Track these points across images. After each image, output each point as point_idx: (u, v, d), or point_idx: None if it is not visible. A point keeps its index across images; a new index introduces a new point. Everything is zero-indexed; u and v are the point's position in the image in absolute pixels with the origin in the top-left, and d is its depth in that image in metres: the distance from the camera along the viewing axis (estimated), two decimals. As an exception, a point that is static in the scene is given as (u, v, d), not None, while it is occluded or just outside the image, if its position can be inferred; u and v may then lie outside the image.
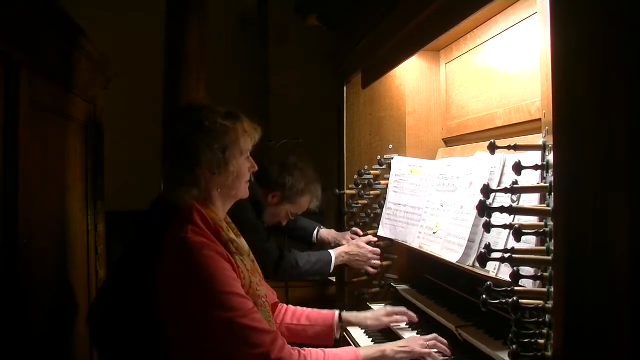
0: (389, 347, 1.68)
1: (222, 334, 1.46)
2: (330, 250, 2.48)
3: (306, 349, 1.59)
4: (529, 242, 1.32)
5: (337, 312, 1.93)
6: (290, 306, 1.96)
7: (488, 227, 1.23)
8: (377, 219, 2.50)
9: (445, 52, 2.38)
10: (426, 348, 1.69)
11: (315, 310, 1.96)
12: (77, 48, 2.53)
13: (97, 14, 4.11)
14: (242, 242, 1.71)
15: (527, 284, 1.25)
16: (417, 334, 1.89)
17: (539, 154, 1.19)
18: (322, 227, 2.70)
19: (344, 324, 1.94)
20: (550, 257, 1.07)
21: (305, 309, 1.96)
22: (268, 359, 1.46)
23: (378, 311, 1.98)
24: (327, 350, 1.63)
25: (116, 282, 2.08)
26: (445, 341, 1.73)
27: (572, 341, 0.97)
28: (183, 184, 1.58)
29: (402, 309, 1.99)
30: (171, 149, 1.63)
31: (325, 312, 1.95)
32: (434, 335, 1.75)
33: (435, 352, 1.69)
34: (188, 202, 1.58)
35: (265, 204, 2.42)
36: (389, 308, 2.01)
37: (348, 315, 1.95)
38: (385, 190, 2.47)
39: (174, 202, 1.61)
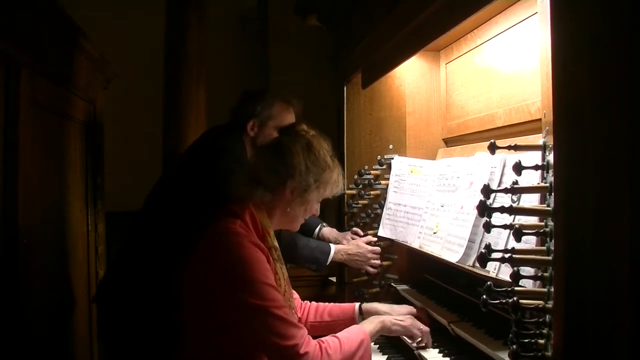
0: (387, 318, 1.82)
1: (254, 322, 1.50)
2: (331, 244, 2.48)
3: (323, 339, 1.62)
4: (529, 242, 1.32)
5: (357, 305, 1.97)
6: (313, 302, 2.00)
7: (488, 227, 1.23)
8: (377, 219, 2.50)
9: (445, 52, 2.38)
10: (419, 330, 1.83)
11: (336, 304, 2.00)
12: (77, 48, 2.53)
13: (97, 14, 4.11)
14: (281, 256, 1.75)
15: (527, 284, 1.25)
16: None
17: (539, 154, 1.19)
18: (325, 224, 2.67)
19: (364, 316, 1.96)
20: (550, 257, 1.07)
21: (326, 304, 2.00)
22: (297, 352, 1.49)
23: (401, 308, 2.00)
24: (339, 334, 1.67)
25: (121, 275, 2.08)
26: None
27: (572, 341, 0.97)
28: (262, 184, 1.65)
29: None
30: (274, 153, 1.70)
31: (346, 306, 1.99)
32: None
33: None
34: (246, 200, 1.65)
35: None
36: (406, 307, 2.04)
37: (368, 306, 1.98)
38: (385, 190, 2.47)
39: (235, 194, 1.66)
